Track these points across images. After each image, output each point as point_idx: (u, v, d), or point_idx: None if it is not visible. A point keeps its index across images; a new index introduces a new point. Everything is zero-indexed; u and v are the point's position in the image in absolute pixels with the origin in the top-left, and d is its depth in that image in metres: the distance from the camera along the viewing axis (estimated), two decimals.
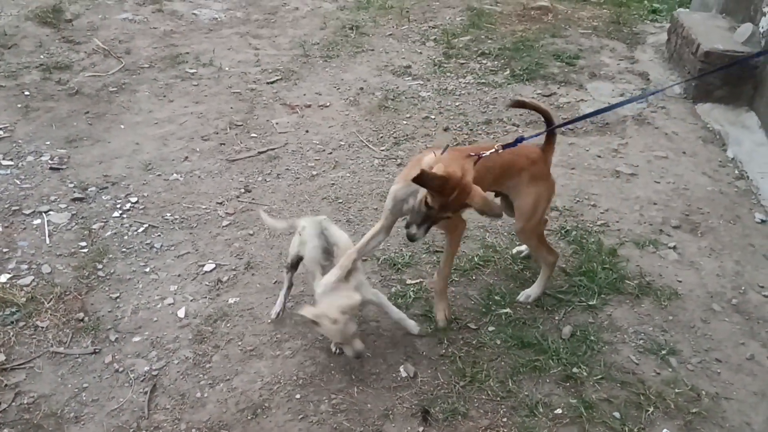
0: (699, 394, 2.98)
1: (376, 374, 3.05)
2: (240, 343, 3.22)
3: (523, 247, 3.75)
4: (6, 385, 3.00)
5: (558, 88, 5.71)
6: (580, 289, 3.52)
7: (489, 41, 6.54)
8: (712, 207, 4.26)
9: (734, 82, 5.30)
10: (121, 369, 3.09)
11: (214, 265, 3.70)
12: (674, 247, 3.89)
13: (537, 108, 3.36)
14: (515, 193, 3.24)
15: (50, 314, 3.36)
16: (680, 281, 3.64)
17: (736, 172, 4.62)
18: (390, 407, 2.89)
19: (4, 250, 3.76)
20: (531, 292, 3.46)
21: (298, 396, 2.94)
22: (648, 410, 2.88)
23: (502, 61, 6.14)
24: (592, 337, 3.22)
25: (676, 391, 2.98)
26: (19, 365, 3.10)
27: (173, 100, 5.42)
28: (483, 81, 5.76)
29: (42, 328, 3.29)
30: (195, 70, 5.89)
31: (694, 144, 4.96)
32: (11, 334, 3.24)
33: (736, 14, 5.88)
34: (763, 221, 4.14)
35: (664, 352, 3.18)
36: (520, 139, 3.12)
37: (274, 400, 2.93)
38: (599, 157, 4.74)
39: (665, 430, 2.81)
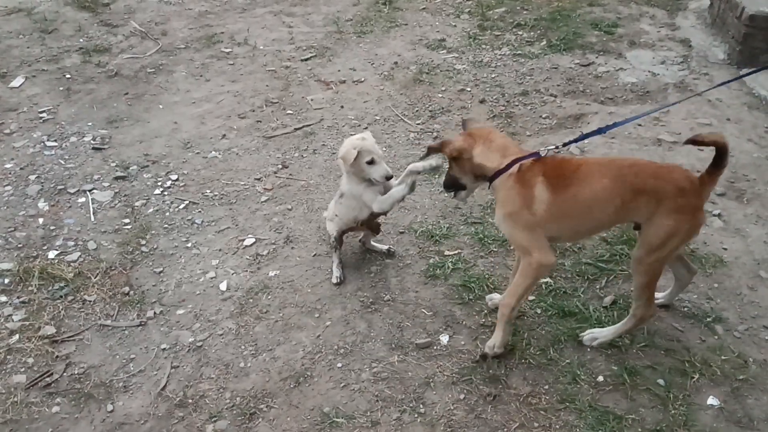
0: (746, 361, 2.93)
1: (416, 343, 3.06)
2: (281, 314, 3.26)
3: (496, 297, 3.16)
4: (57, 357, 3.10)
5: (596, 58, 5.59)
6: (622, 257, 3.47)
7: (524, 12, 6.42)
8: (758, 173, 4.14)
9: None
10: (166, 340, 3.16)
11: (254, 240, 3.75)
12: (719, 215, 3.80)
13: (714, 144, 2.69)
14: (648, 222, 2.71)
15: (97, 288, 3.45)
16: (725, 249, 3.56)
17: None
18: (431, 375, 2.91)
19: (51, 227, 3.86)
20: (599, 335, 3.00)
21: (339, 365, 2.97)
22: (693, 377, 2.84)
23: (539, 31, 6.04)
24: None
25: (723, 358, 2.93)
26: (69, 337, 3.20)
27: (209, 79, 5.47)
28: (519, 52, 5.68)
29: (90, 301, 3.39)
30: (230, 50, 5.93)
31: (739, 110, 4.82)
32: (60, 307, 3.34)
33: None
34: None
35: (709, 319, 3.13)
36: (536, 154, 2.78)
37: (315, 369, 2.97)
38: (640, 125, 4.63)
39: (711, 396, 2.77)
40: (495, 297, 3.18)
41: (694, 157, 4.28)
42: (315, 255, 3.61)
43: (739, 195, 3.96)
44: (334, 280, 3.43)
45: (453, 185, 2.97)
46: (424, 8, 6.66)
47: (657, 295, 3.04)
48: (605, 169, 2.71)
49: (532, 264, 2.72)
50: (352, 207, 3.34)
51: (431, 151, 2.95)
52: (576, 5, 6.50)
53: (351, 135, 4.58)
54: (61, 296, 3.40)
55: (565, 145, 3.04)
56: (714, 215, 3.79)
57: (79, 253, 3.68)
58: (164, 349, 3.12)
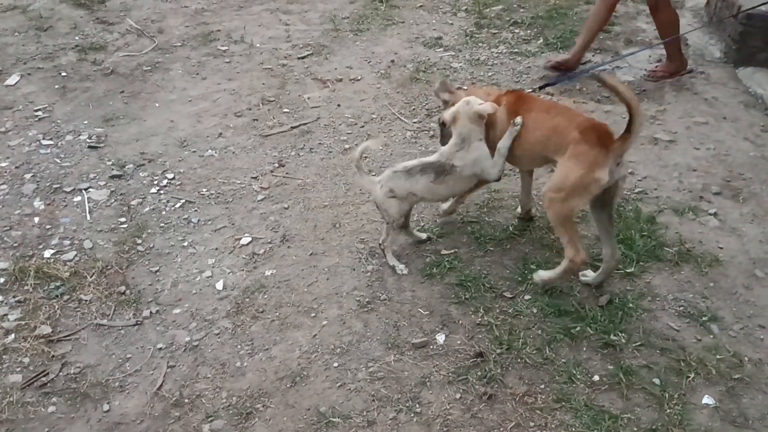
0: (741, 360, 2.93)
1: (412, 342, 3.06)
2: (277, 313, 3.26)
3: (589, 276, 3.34)
4: (53, 356, 3.09)
5: (593, 56, 5.59)
6: None
7: (521, 10, 6.42)
8: (754, 172, 4.15)
9: None
10: (162, 340, 3.16)
11: (250, 239, 3.74)
12: (715, 214, 3.81)
13: (615, 90, 2.96)
14: (556, 160, 3.13)
15: (93, 288, 3.45)
16: (721, 248, 3.57)
17: None
18: (427, 375, 2.91)
19: (47, 226, 3.85)
20: (544, 275, 3.23)
21: (335, 364, 2.97)
22: (689, 376, 2.85)
23: (535, 29, 6.04)
24: (631, 305, 3.18)
25: (718, 357, 2.94)
26: (65, 337, 3.19)
27: (206, 77, 5.46)
28: (516, 50, 5.68)
29: (86, 301, 3.38)
30: (227, 48, 5.91)
31: (736, 109, 4.82)
32: (56, 307, 3.33)
33: None
34: None
35: (705, 318, 3.14)
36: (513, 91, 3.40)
37: (312, 369, 2.97)
38: None
39: (707, 395, 2.78)
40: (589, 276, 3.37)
41: (690, 156, 4.30)
42: (311, 254, 3.61)
43: (735, 194, 3.97)
44: (403, 271, 3.44)
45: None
46: (420, 6, 6.65)
47: (587, 273, 3.32)
48: (542, 106, 3.26)
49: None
50: (461, 180, 3.38)
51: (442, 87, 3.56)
52: (572, 3, 6.50)
53: (348, 133, 4.63)
54: (57, 295, 3.40)
55: (541, 88, 3.85)
56: (710, 214, 3.80)
57: (75, 252, 3.68)
58: (160, 348, 3.12)
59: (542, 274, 3.24)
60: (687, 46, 5.68)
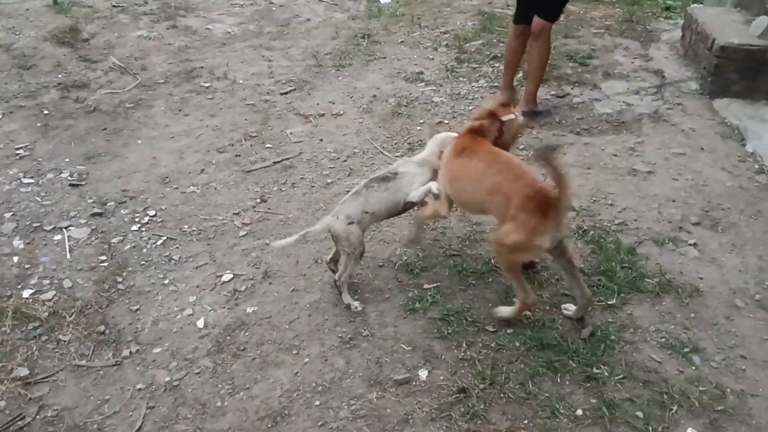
0: (724, 392, 2.93)
1: (394, 379, 3.03)
2: (259, 351, 3.23)
3: (571, 310, 3.35)
4: (30, 399, 3.03)
5: (572, 89, 5.68)
6: (599, 288, 3.49)
7: (501, 44, 6.52)
8: (732, 202, 4.20)
9: (751, 76, 5.24)
10: (142, 380, 3.11)
11: (231, 275, 3.72)
12: (694, 244, 3.84)
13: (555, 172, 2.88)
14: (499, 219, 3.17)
15: (72, 328, 3.40)
16: (701, 278, 3.59)
17: (756, 166, 4.55)
18: (410, 412, 2.88)
19: (26, 266, 3.82)
20: (503, 311, 3.27)
21: (317, 402, 2.94)
22: (672, 409, 2.84)
23: None
24: (613, 337, 3.18)
25: (701, 389, 2.94)
26: (42, 379, 3.13)
27: (189, 113, 5.48)
28: (496, 84, 5.75)
29: (64, 341, 3.33)
30: (209, 84, 5.95)
31: (713, 140, 4.90)
32: (34, 348, 3.28)
33: (751, 8, 5.82)
34: None
35: (686, 350, 3.14)
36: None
37: (293, 407, 2.93)
38: (615, 156, 4.70)
39: (690, 428, 2.77)
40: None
41: (669, 187, 4.35)
42: (293, 290, 3.59)
43: (714, 224, 4.01)
44: (357, 308, 3.43)
45: None
46: (402, 42, 6.75)
47: (568, 307, 3.34)
48: (489, 157, 3.20)
49: (432, 212, 3.46)
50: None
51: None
52: (551, 38, 6.59)
53: (330, 168, 4.64)
54: (35, 336, 3.35)
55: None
56: (689, 245, 3.83)
57: (54, 292, 3.64)
58: (140, 389, 3.07)
59: (501, 311, 3.29)
60: (664, 78, 5.79)
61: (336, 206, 3.48)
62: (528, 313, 3.28)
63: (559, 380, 3.00)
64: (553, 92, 5.60)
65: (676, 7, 7.47)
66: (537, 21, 4.98)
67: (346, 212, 3.37)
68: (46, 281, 3.71)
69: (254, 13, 7.67)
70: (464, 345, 3.19)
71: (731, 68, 5.30)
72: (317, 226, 3.44)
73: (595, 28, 6.90)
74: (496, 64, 6.13)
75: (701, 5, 6.70)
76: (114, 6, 7.52)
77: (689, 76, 5.78)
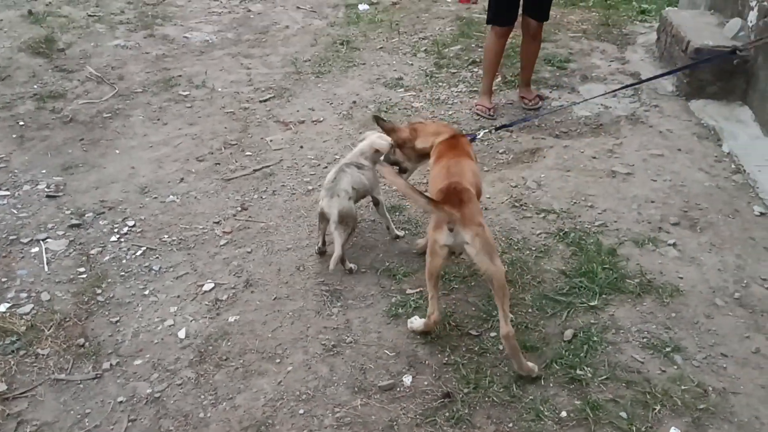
0: (706, 390, 2.95)
1: (379, 385, 3.02)
2: (241, 360, 3.20)
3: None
4: (8, 415, 2.98)
5: (550, 92, 5.72)
6: (581, 290, 3.51)
7: (479, 49, 6.55)
8: (710, 202, 4.24)
9: (726, 78, 5.31)
10: (123, 393, 3.07)
11: (213, 285, 3.69)
12: (674, 244, 3.87)
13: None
14: None
15: (51, 341, 3.35)
16: (681, 278, 3.62)
17: (733, 166, 4.61)
18: (395, 418, 2.87)
19: (3, 279, 3.75)
20: (416, 323, 3.27)
21: (301, 411, 2.92)
22: (655, 409, 2.85)
23: None
24: (595, 338, 3.20)
25: (683, 388, 2.96)
26: (20, 394, 3.08)
27: (167, 122, 5.44)
28: (475, 89, 5.77)
29: (43, 355, 3.28)
30: (188, 93, 5.92)
31: (689, 141, 4.95)
32: (12, 363, 3.22)
33: (725, 10, 5.90)
34: (762, 214, 4.12)
35: (668, 349, 3.16)
36: (457, 135, 3.52)
37: (277, 417, 2.90)
38: (594, 158, 4.73)
39: (673, 428, 2.78)
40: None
41: (648, 188, 4.38)
42: (275, 298, 3.57)
43: (693, 224, 4.05)
44: (354, 269, 3.70)
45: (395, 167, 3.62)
46: (381, 48, 6.76)
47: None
48: (453, 159, 3.29)
49: None
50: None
51: (378, 121, 3.66)
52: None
53: (311, 174, 4.63)
54: (13, 351, 3.29)
55: (497, 129, 4.06)
56: (669, 245, 3.86)
57: (32, 305, 3.58)
58: (121, 402, 3.03)
59: (414, 323, 3.29)
60: (641, 81, 5.84)
61: (323, 190, 3.66)
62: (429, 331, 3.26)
63: (542, 383, 3.00)
64: (531, 97, 5.62)
65: (650, 10, 7.55)
66: (531, 22, 5.17)
67: (344, 189, 3.59)
68: (24, 294, 3.65)
69: (232, 21, 7.64)
70: (448, 349, 3.19)
71: (706, 70, 5.36)
72: (333, 212, 3.54)
73: (572, 32, 6.96)
74: (475, 69, 6.16)
75: (675, 8, 6.78)
76: (90, 16, 7.46)
77: (665, 78, 5.84)
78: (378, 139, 3.77)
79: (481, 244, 2.91)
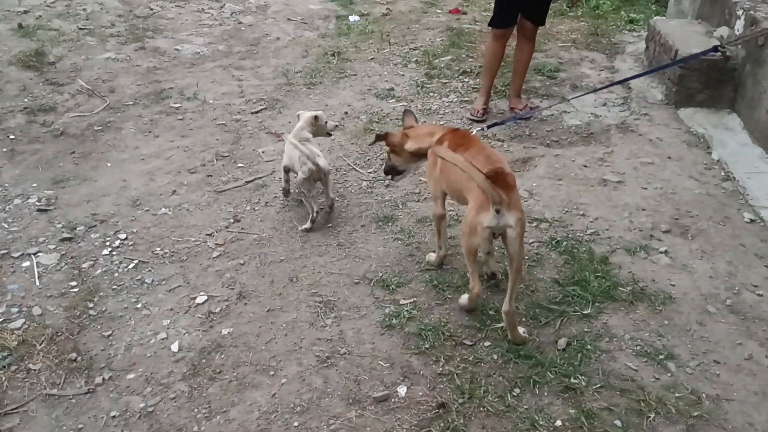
0: (699, 397, 2.96)
1: (373, 397, 3.01)
2: (235, 373, 3.18)
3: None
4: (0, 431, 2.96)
5: (541, 101, 5.75)
6: (574, 298, 3.52)
7: (470, 59, 6.59)
8: (700, 209, 4.27)
9: (714, 86, 5.36)
10: (116, 407, 3.05)
11: (206, 297, 3.68)
12: (665, 252, 3.89)
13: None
14: None
15: (42, 356, 3.33)
16: (673, 285, 3.64)
17: (722, 173, 4.65)
18: (389, 429, 2.86)
19: None
20: (463, 300, 3.47)
21: (296, 424, 2.91)
22: (649, 416, 2.86)
23: None
24: (589, 346, 3.21)
25: (677, 395, 2.97)
26: (12, 410, 3.05)
27: (159, 135, 5.43)
28: (466, 99, 5.80)
29: (35, 370, 3.25)
30: (179, 105, 5.91)
31: (679, 148, 4.99)
32: (3, 378, 3.19)
33: (712, 19, 5.97)
34: (752, 220, 4.15)
35: (661, 356, 3.17)
36: (454, 129, 3.61)
37: (272, 430, 2.89)
38: (585, 166, 4.75)
39: None
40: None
41: (639, 196, 4.41)
42: (269, 310, 3.56)
43: (684, 231, 4.07)
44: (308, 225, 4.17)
45: (391, 171, 3.86)
46: (372, 59, 6.78)
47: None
48: (472, 149, 3.30)
49: (433, 214, 3.69)
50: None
51: (378, 138, 3.82)
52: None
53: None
54: (4, 366, 3.26)
55: (489, 126, 4.00)
56: (661, 252, 3.88)
57: (23, 320, 3.55)
58: (114, 416, 3.01)
59: (462, 301, 3.47)
60: (629, 90, 5.89)
61: (303, 157, 4.10)
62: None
63: (537, 392, 3.00)
64: (521, 107, 5.65)
65: (639, 19, 7.63)
66: (528, 24, 5.30)
67: (317, 151, 4.19)
68: (15, 309, 3.63)
69: (223, 33, 7.66)
70: (442, 360, 3.19)
71: (694, 78, 5.41)
72: (323, 162, 4.17)
73: (562, 42, 7.01)
74: (466, 79, 6.19)
75: (663, 17, 6.85)
76: (81, 29, 7.45)
77: (654, 86, 5.89)
78: (309, 112, 4.45)
79: (521, 229, 3.07)
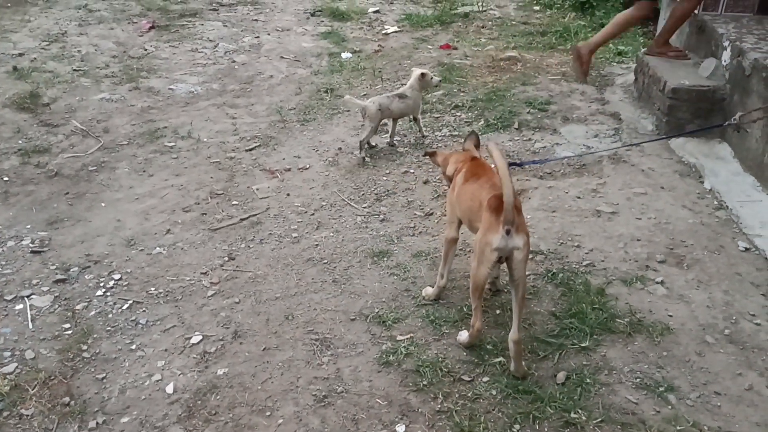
0: (701, 430, 2.93)
1: None
2: (231, 415, 3.14)
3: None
4: None
5: (533, 134, 5.79)
6: (572, 331, 3.49)
7: (461, 94, 6.66)
8: (695, 239, 4.28)
9: (704, 116, 5.41)
10: None
11: (201, 337, 3.64)
12: (662, 282, 3.88)
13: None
14: None
15: (35, 401, 3.28)
16: (671, 315, 3.63)
17: (715, 202, 4.66)
18: None
19: None
20: (462, 336, 3.46)
21: None
22: None
23: (476, 112, 6.25)
24: (588, 380, 3.18)
25: (678, 428, 2.93)
26: None
27: (153, 174, 5.44)
28: (458, 133, 5.84)
29: (27, 416, 3.20)
30: (174, 144, 5.94)
31: (671, 178, 5.02)
32: None
33: (699, 50, 6.06)
34: (747, 249, 4.16)
35: (661, 389, 3.14)
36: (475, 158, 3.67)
37: None
38: (579, 198, 4.77)
39: None
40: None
41: (633, 226, 4.42)
42: (264, 349, 3.52)
43: (679, 261, 4.07)
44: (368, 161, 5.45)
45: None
46: (364, 94, 6.84)
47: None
48: (483, 178, 3.40)
49: (445, 237, 3.70)
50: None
51: (425, 154, 4.19)
52: (510, 85, 6.78)
53: (299, 222, 4.63)
54: None
55: (511, 165, 3.82)
56: (657, 282, 3.88)
57: (16, 364, 3.51)
58: None
59: (461, 337, 3.46)
60: (620, 121, 5.95)
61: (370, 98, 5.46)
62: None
63: (537, 427, 2.97)
64: (515, 138, 5.69)
65: (627, 52, 7.73)
66: None
67: (379, 101, 5.42)
68: (8, 353, 3.59)
69: (217, 72, 7.73)
70: (440, 396, 3.15)
71: (684, 109, 5.47)
72: (366, 102, 5.48)
73: (552, 75, 7.09)
74: (458, 113, 6.24)
75: None
76: (75, 70, 7.52)
77: (645, 117, 5.95)
78: (418, 69, 5.70)
79: (527, 252, 3.12)
